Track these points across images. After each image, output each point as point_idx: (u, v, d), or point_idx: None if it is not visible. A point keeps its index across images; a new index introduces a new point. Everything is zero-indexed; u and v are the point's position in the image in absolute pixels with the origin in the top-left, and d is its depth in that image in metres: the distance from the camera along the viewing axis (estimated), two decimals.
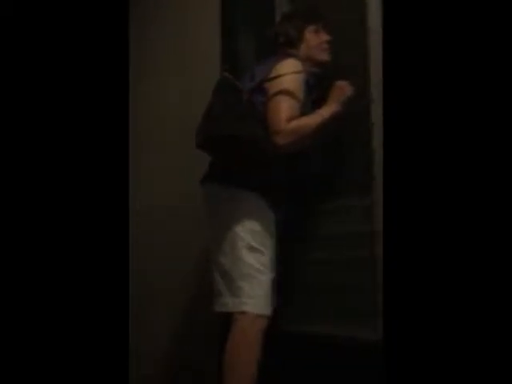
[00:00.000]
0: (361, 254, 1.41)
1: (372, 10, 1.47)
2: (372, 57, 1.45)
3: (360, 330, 1.37)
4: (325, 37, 1.53)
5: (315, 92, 1.47)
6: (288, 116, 1.31)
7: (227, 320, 1.35)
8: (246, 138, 1.29)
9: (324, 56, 1.51)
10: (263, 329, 1.32)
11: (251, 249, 1.34)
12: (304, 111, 1.37)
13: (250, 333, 1.31)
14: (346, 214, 1.47)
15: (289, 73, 1.36)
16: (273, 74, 1.38)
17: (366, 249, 1.39)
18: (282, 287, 1.40)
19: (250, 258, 1.33)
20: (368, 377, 1.30)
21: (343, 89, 1.41)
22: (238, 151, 1.33)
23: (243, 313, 1.31)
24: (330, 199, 1.53)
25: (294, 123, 1.31)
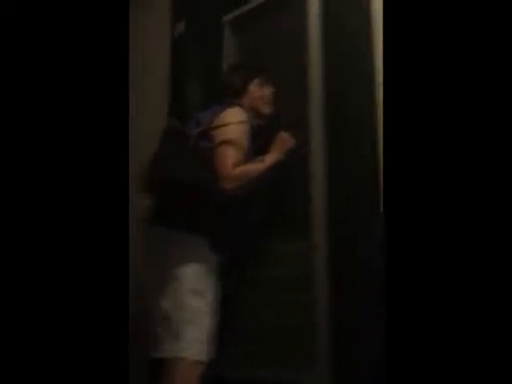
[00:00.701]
0: (300, 297, 1.44)
1: (314, 60, 1.57)
2: (312, 110, 1.55)
3: (300, 374, 1.38)
4: (268, 90, 1.61)
5: (258, 141, 1.53)
6: (234, 162, 1.36)
7: (157, 363, 1.33)
8: (191, 181, 1.33)
9: (266, 108, 1.59)
10: (200, 375, 1.30)
11: (194, 292, 1.34)
12: (247, 158, 1.43)
13: (187, 379, 1.29)
14: (285, 256, 1.51)
15: (234, 122, 1.42)
16: (218, 122, 1.43)
17: (305, 291, 1.42)
18: (220, 331, 1.39)
19: (192, 302, 1.33)
20: None
21: (285, 140, 1.50)
22: (181, 195, 1.35)
23: (180, 359, 1.29)
24: (270, 242, 1.57)
25: (240, 169, 1.36)
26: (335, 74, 1.52)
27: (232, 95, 1.57)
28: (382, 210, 1.28)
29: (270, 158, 1.45)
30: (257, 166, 1.42)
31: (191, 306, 1.32)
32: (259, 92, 1.59)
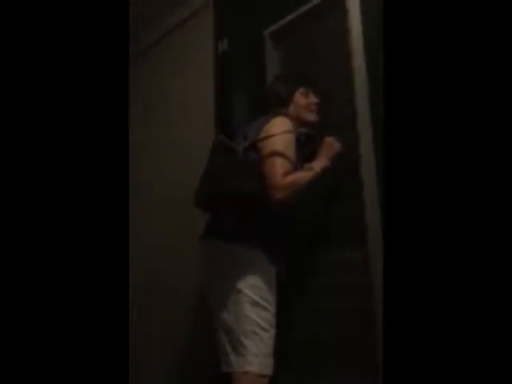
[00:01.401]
0: (357, 306, 1.41)
1: (359, 72, 1.56)
2: (360, 115, 1.53)
3: (361, 382, 1.35)
4: (313, 99, 1.61)
5: (305, 149, 1.53)
6: (283, 171, 1.36)
7: (223, 378, 1.33)
8: (243, 194, 1.34)
9: (312, 117, 1.59)
10: None
11: (255, 304, 1.34)
12: (296, 167, 1.42)
13: None
14: (341, 266, 1.49)
15: (280, 132, 1.42)
16: (264, 133, 1.44)
17: (362, 301, 1.40)
18: (280, 343, 1.39)
19: (253, 315, 1.33)
20: None
21: (332, 144, 1.50)
22: (236, 208, 1.37)
23: (244, 373, 1.29)
24: (325, 251, 1.55)
25: (290, 178, 1.36)
26: (380, 75, 1.49)
27: (277, 105, 1.58)
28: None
29: (319, 165, 1.44)
30: (306, 174, 1.41)
31: (254, 318, 1.33)
32: (304, 101, 1.60)
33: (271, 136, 1.42)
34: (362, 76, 1.56)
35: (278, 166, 1.37)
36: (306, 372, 1.46)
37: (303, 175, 1.41)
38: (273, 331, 1.36)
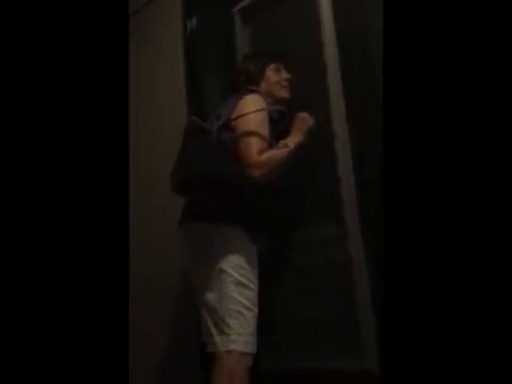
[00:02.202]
0: (339, 282, 1.42)
1: (329, 46, 1.55)
2: (332, 90, 1.52)
3: (343, 361, 1.36)
4: (285, 75, 1.60)
5: (279, 126, 1.52)
6: (258, 150, 1.36)
7: (208, 356, 1.34)
8: (221, 176, 1.33)
9: (284, 93, 1.58)
10: (248, 367, 1.31)
11: (238, 284, 1.34)
12: (270, 144, 1.42)
13: (236, 372, 1.29)
14: (321, 243, 1.49)
15: (253, 110, 1.41)
16: (237, 112, 1.43)
17: (342, 277, 1.40)
18: (261, 322, 1.39)
19: (237, 294, 1.34)
20: None
21: (305, 119, 1.49)
22: (214, 190, 1.36)
23: (229, 352, 1.30)
24: (304, 229, 1.55)
25: (265, 155, 1.36)
26: (351, 53, 1.48)
27: (249, 83, 1.57)
28: None
29: (293, 141, 1.43)
30: (281, 151, 1.40)
31: (237, 298, 1.33)
32: (276, 77, 1.58)
33: (244, 115, 1.40)
34: (333, 49, 1.54)
35: (253, 145, 1.36)
36: (289, 351, 1.46)
37: (278, 152, 1.40)
38: (256, 310, 1.36)
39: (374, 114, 1.38)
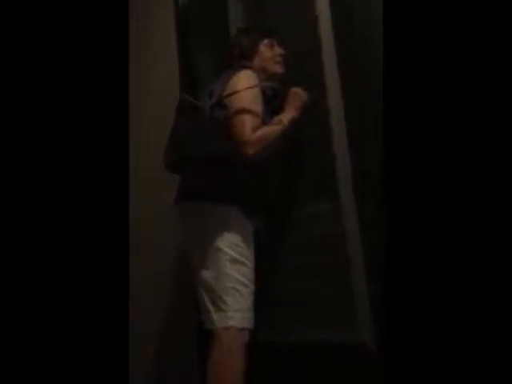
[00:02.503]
0: (334, 257, 1.43)
1: (323, 21, 1.52)
2: (326, 65, 1.50)
3: (338, 334, 1.38)
4: (279, 50, 1.57)
5: (273, 102, 1.51)
6: (252, 127, 1.35)
7: (206, 333, 1.35)
8: (216, 155, 1.32)
9: (277, 68, 1.56)
10: (246, 342, 1.33)
11: (234, 261, 1.35)
12: (264, 121, 1.40)
13: (234, 348, 1.31)
14: (315, 218, 1.49)
15: (246, 87, 1.39)
16: (230, 88, 1.41)
17: (337, 252, 1.41)
18: (259, 298, 1.41)
19: (233, 271, 1.35)
20: (353, 379, 1.32)
21: (298, 95, 1.47)
22: (209, 168, 1.35)
23: (226, 328, 1.31)
24: (298, 206, 1.55)
25: (259, 132, 1.35)
26: (346, 29, 1.46)
27: (242, 58, 1.55)
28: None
29: (287, 117, 1.42)
30: (275, 127, 1.40)
31: (234, 275, 1.34)
32: (269, 52, 1.56)
33: (237, 92, 1.39)
34: (328, 23, 1.51)
35: (247, 122, 1.35)
36: (285, 325, 1.48)
37: (272, 129, 1.39)
38: (252, 286, 1.38)
39: (370, 89, 1.37)
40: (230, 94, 1.40)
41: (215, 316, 1.34)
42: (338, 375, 1.36)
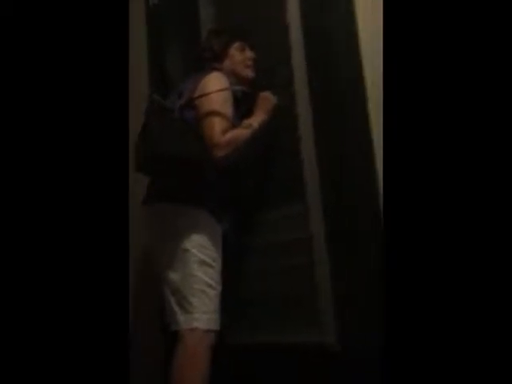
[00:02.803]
0: (299, 260, 1.45)
1: (294, 20, 1.53)
2: (296, 71, 1.51)
3: (303, 335, 1.40)
4: (249, 54, 1.58)
5: (242, 105, 1.52)
6: (222, 129, 1.35)
7: (171, 335, 1.35)
8: (184, 156, 1.32)
9: (248, 72, 1.57)
10: (211, 344, 1.33)
11: (202, 263, 1.35)
12: (233, 124, 1.41)
13: (199, 350, 1.31)
14: (282, 222, 1.51)
15: (216, 90, 1.39)
16: (200, 90, 1.41)
17: (304, 255, 1.43)
18: (225, 300, 1.41)
19: (201, 273, 1.35)
20: (319, 381, 1.34)
21: (268, 98, 1.49)
22: (179, 170, 1.35)
23: (191, 330, 1.31)
24: (266, 209, 1.57)
25: (229, 135, 1.36)
26: (318, 34, 1.48)
27: (212, 60, 1.55)
28: (375, 168, 1.27)
29: (256, 120, 1.44)
30: (245, 131, 1.41)
31: (201, 277, 1.34)
32: (240, 56, 1.57)
33: (208, 94, 1.39)
34: (298, 29, 1.52)
35: (216, 124, 1.36)
36: (251, 326, 1.49)
37: (242, 132, 1.40)
38: (219, 288, 1.38)
39: (337, 96, 1.40)
40: (201, 96, 1.40)
41: (181, 317, 1.33)
42: (302, 376, 1.38)
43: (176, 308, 1.35)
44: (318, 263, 1.39)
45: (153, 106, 1.41)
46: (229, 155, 1.35)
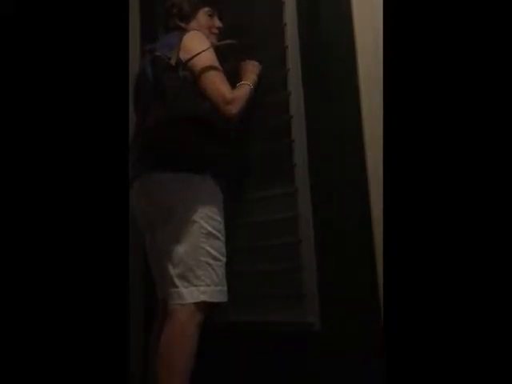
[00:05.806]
0: (286, 240, 1.46)
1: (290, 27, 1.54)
2: (288, 51, 1.53)
3: (290, 314, 1.41)
4: (217, 22, 1.56)
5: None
6: (228, 87, 1.33)
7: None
8: (198, 114, 1.26)
9: (212, 39, 1.51)
10: (202, 321, 1.28)
11: (209, 235, 1.30)
12: None
13: (189, 326, 1.26)
14: (271, 201, 1.51)
15: (205, 49, 1.35)
16: (186, 49, 1.35)
17: (290, 234, 1.45)
18: None
19: (207, 245, 1.29)
20: (304, 359, 1.37)
21: (253, 64, 1.51)
22: (186, 131, 1.26)
23: (197, 303, 1.26)
24: (257, 187, 1.55)
25: (236, 92, 1.36)
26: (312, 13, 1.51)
27: (178, 18, 1.50)
28: (364, 152, 1.34)
29: (250, 78, 1.45)
30: (244, 88, 1.41)
31: (207, 249, 1.29)
32: (208, 21, 1.53)
33: (198, 54, 1.33)
34: (295, 30, 1.53)
35: (222, 82, 1.33)
36: (237, 304, 1.45)
37: (244, 89, 1.41)
38: (224, 259, 1.34)
39: (329, 77, 1.45)
40: (193, 57, 1.33)
41: (185, 290, 1.26)
42: (285, 355, 1.41)
43: (177, 281, 1.28)
44: (303, 241, 1.42)
45: (159, 63, 1.30)
46: (240, 112, 1.34)
